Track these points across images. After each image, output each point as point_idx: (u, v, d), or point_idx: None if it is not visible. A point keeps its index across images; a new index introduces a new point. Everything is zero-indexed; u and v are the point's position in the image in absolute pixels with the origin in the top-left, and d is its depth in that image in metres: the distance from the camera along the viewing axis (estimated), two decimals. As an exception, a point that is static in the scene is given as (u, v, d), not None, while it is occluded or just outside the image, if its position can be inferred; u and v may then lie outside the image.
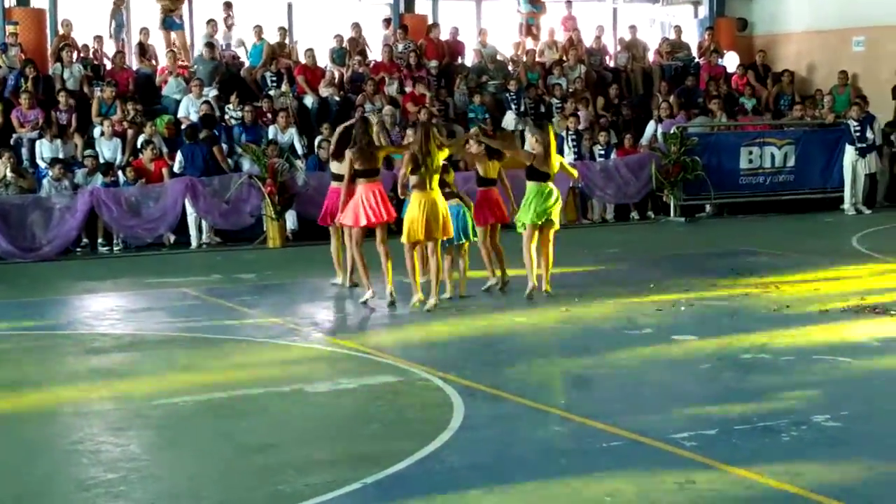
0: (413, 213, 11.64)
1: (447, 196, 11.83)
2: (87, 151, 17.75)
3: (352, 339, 10.40)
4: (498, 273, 12.64)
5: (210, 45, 20.36)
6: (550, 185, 12.14)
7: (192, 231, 17.49)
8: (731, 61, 24.40)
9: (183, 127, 18.42)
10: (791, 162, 20.75)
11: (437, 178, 11.63)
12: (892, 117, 21.70)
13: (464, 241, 12.28)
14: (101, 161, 17.85)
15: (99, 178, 17.27)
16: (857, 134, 20.18)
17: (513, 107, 21.24)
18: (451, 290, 12.22)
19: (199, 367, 9.53)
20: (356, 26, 22.35)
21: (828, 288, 12.40)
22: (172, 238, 17.53)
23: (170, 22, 21.00)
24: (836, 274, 13.37)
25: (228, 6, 21.54)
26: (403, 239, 11.79)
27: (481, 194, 12.58)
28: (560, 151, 19.96)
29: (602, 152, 20.11)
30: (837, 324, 10.48)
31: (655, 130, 20.82)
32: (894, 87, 22.22)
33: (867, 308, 11.03)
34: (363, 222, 12.10)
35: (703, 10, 26.37)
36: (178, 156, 17.72)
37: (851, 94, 22.26)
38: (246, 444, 7.26)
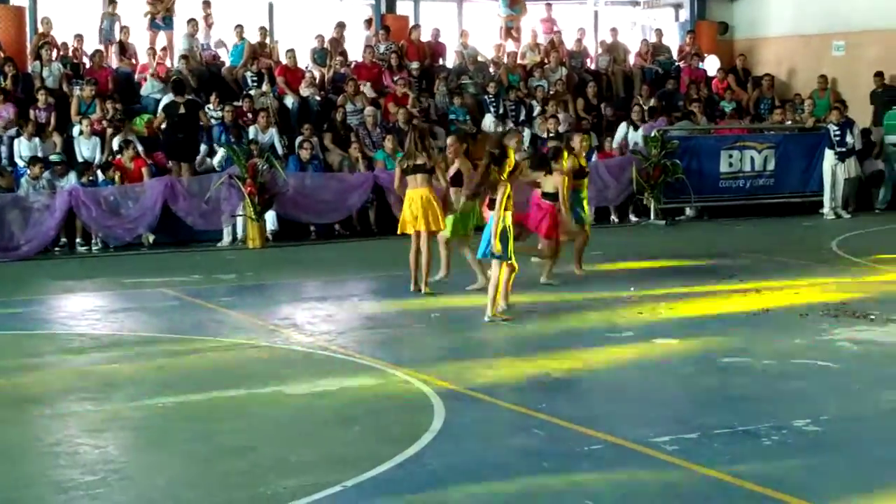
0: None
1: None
2: (53, 157, 17.53)
3: (332, 341, 10.36)
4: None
5: (186, 58, 20.30)
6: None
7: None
8: (711, 65, 24.47)
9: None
10: (771, 166, 20.81)
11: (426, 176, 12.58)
12: (871, 122, 21.78)
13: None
14: (80, 160, 17.77)
15: (72, 179, 17.16)
16: (837, 138, 20.24)
17: (492, 109, 21.24)
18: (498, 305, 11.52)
19: (178, 368, 9.48)
20: (340, 26, 22.32)
21: (808, 292, 12.43)
22: (152, 238, 17.45)
23: (155, 23, 20.94)
24: (816, 278, 13.40)
25: (208, 5, 21.48)
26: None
27: (549, 208, 12.84)
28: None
29: (584, 154, 20.08)
30: (817, 328, 10.51)
31: (627, 134, 20.83)
32: (873, 92, 22.32)
33: (847, 312, 11.06)
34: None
35: (684, 14, 26.45)
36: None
37: (831, 99, 22.35)
38: (225, 446, 7.22)
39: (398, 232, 12.93)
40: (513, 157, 11.48)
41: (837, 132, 20.24)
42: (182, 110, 18.17)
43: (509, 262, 11.02)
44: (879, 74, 22.34)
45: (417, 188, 12.57)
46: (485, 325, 10.98)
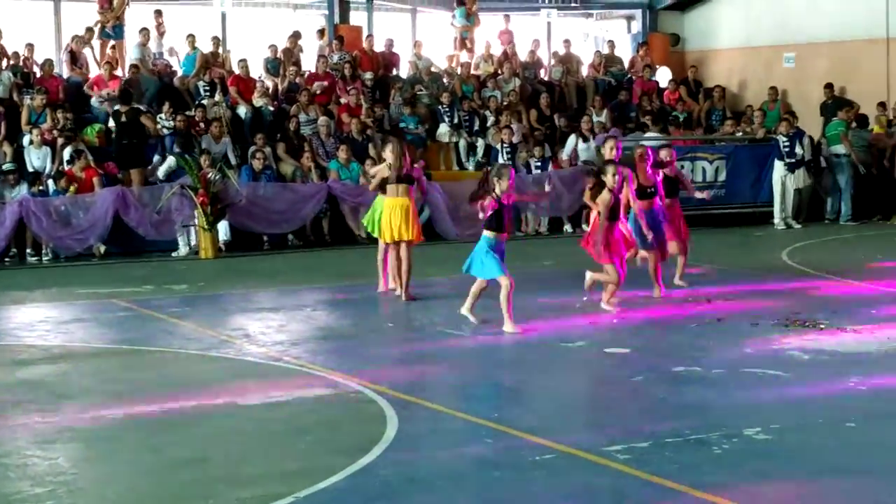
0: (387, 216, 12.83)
1: None
2: (6, 166, 17.40)
3: (285, 352, 10.33)
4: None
5: (136, 67, 20.20)
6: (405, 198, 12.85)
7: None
8: (663, 76, 24.66)
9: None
10: (722, 176, 20.98)
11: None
12: (821, 133, 22.01)
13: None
14: (30, 170, 17.62)
15: (24, 189, 17.01)
16: (787, 149, 20.44)
17: (446, 119, 21.28)
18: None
19: (129, 380, 9.40)
20: (294, 36, 22.28)
21: (758, 301, 12.53)
22: (103, 248, 17.32)
23: (105, 31, 20.81)
24: (767, 287, 13.52)
25: (159, 14, 21.39)
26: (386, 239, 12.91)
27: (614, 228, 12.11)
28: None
29: (539, 164, 20.23)
30: (768, 337, 10.59)
31: (576, 145, 20.93)
32: (823, 104, 22.57)
33: (797, 321, 11.15)
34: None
35: (637, 26, 26.66)
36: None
37: (781, 110, 22.59)
38: (176, 458, 7.16)
39: (379, 238, 13.13)
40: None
41: (787, 143, 20.43)
42: (124, 119, 18.09)
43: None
44: (829, 86, 22.60)
45: (399, 197, 12.79)
46: (437, 335, 10.99)
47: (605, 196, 11.78)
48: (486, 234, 11.13)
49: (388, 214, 12.82)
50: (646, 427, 7.69)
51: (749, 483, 6.55)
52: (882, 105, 21.73)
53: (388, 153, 12.99)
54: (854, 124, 21.54)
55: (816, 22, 23.29)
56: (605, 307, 12.02)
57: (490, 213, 11.13)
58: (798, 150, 20.55)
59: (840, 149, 21.02)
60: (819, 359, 9.67)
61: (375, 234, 13.43)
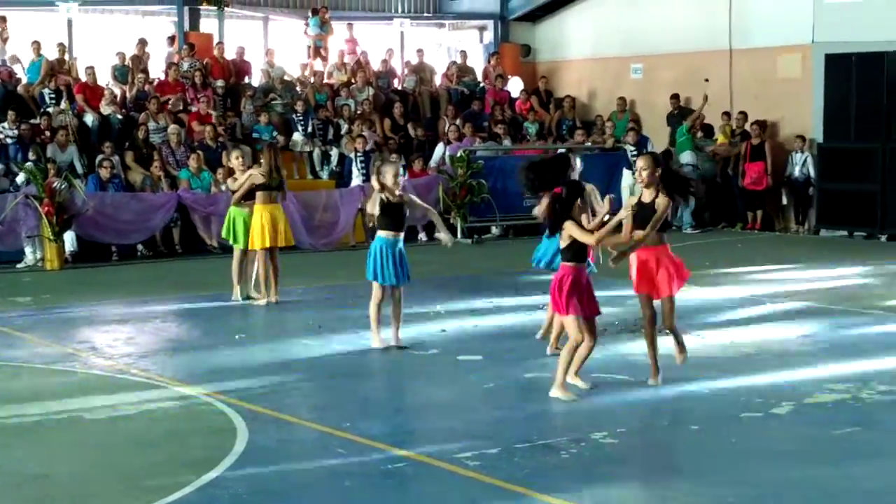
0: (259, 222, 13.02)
1: None
2: None
3: (133, 364, 10.13)
4: None
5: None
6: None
7: None
8: (515, 86, 24.94)
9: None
10: (572, 185, 21.26)
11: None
12: (668, 143, 22.53)
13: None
14: None
15: None
16: (634, 158, 20.84)
17: (300, 128, 21.18)
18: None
19: (-32, 396, 9.12)
20: (142, 42, 21.91)
21: (606, 308, 12.71)
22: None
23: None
24: (614, 294, 13.74)
25: (3, 20, 20.82)
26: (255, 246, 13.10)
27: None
28: (349, 173, 20.26)
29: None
30: (615, 342, 10.78)
31: (444, 153, 21.09)
32: (669, 114, 23.12)
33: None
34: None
35: (488, 36, 26.91)
36: None
37: (630, 120, 23.07)
38: (19, 474, 6.97)
39: (249, 248, 13.25)
40: None
41: (634, 152, 20.86)
42: None
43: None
44: (675, 97, 23.16)
45: (272, 204, 13.17)
46: (290, 346, 10.92)
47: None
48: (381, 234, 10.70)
49: (260, 220, 13.02)
50: (497, 433, 7.77)
51: (595, 486, 6.68)
52: (726, 115, 22.35)
53: (263, 160, 13.26)
54: (700, 133, 22.12)
55: (663, 34, 23.82)
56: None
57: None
58: (644, 158, 20.91)
59: (686, 157, 21.52)
60: (665, 363, 9.84)
61: (237, 245, 13.43)
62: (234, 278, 13.53)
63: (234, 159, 13.75)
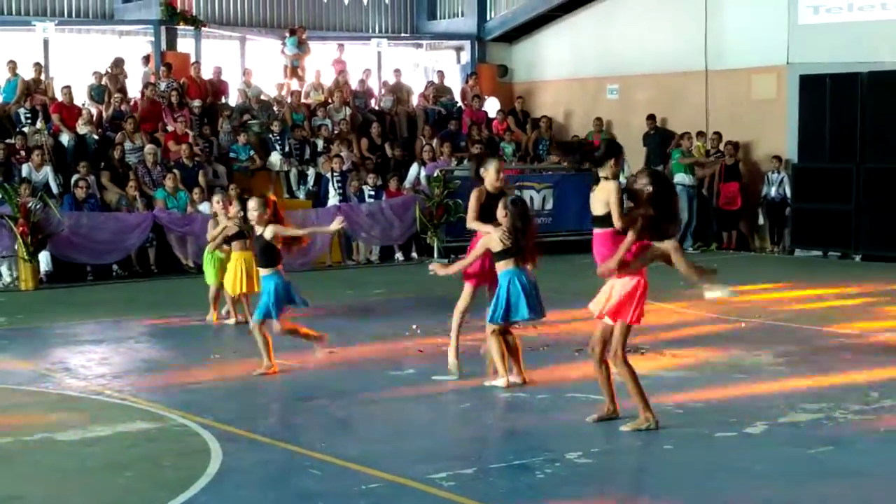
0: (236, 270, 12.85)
1: None
2: None
3: (107, 385, 10.09)
4: None
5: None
6: None
7: None
8: (492, 106, 25.02)
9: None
10: (549, 205, 21.38)
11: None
12: (644, 163, 22.60)
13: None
14: None
15: None
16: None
17: (277, 147, 21.18)
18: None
19: (-60, 417, 9.06)
20: (118, 63, 21.89)
21: (584, 328, 12.74)
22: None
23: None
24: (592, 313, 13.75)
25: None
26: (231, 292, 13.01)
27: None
28: (325, 193, 20.27)
29: (372, 193, 20.29)
30: (590, 362, 10.76)
31: (419, 173, 21.12)
32: (645, 134, 23.21)
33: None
34: None
35: (466, 56, 27.00)
36: None
37: (606, 140, 23.11)
38: (-10, 497, 6.94)
39: (232, 293, 13.05)
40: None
41: (610, 173, 20.86)
42: None
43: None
44: (651, 117, 23.26)
45: (247, 251, 12.51)
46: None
47: None
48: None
49: (235, 268, 12.86)
50: (472, 454, 7.77)
51: (570, 506, 6.68)
52: (701, 135, 22.45)
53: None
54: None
55: (639, 55, 23.94)
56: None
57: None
58: (620, 178, 20.91)
59: (682, 178, 21.55)
60: (646, 383, 9.88)
61: (211, 283, 13.58)
62: (210, 300, 13.50)
63: (216, 203, 13.50)
